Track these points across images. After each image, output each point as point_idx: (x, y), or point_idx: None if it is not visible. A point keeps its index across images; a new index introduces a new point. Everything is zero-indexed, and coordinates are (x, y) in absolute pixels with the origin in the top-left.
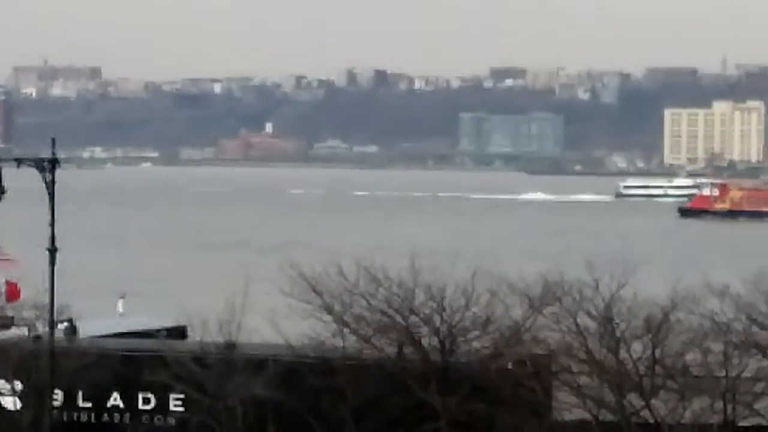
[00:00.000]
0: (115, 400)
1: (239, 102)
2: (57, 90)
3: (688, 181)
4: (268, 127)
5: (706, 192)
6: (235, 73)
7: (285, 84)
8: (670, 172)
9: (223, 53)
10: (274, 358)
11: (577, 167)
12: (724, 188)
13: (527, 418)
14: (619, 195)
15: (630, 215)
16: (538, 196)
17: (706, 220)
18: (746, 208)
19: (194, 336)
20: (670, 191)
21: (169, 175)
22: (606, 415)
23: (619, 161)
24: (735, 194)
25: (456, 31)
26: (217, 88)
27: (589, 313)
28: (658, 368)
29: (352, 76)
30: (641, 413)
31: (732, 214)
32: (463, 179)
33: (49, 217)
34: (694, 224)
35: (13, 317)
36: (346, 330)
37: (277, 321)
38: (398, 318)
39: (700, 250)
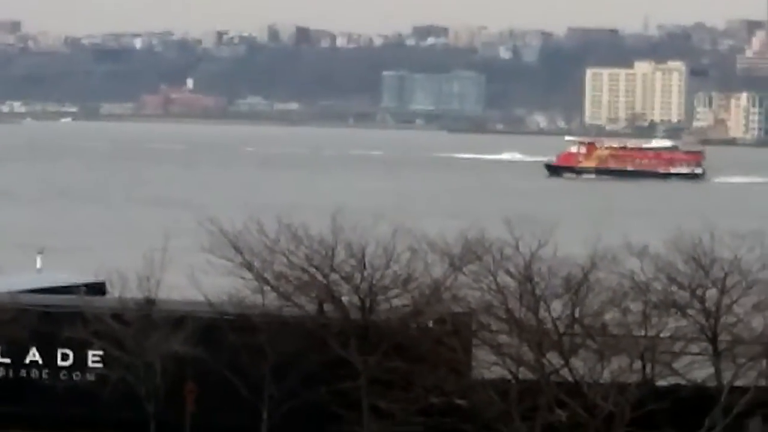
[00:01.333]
0: (34, 356)
1: (160, 57)
2: None
3: (666, 143)
4: (189, 83)
5: (573, 149)
6: (156, 28)
7: (206, 40)
8: (590, 132)
9: (144, 8)
10: (194, 314)
11: (499, 126)
12: (591, 146)
13: (447, 376)
14: None
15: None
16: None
17: (571, 178)
18: (611, 166)
19: (113, 292)
20: None
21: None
22: (525, 374)
23: (540, 120)
24: (602, 152)
25: None
26: (138, 42)
27: (509, 272)
28: (577, 327)
29: (273, 33)
30: (560, 372)
31: (598, 172)
32: (384, 137)
33: None
34: (563, 182)
35: None
36: (266, 287)
37: (197, 278)
38: (319, 276)
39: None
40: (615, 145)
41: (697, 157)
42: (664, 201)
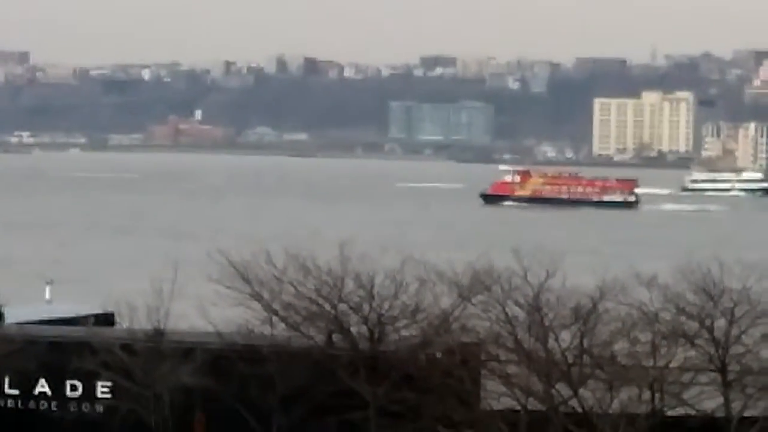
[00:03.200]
0: (42, 387)
1: (168, 88)
2: None
3: (758, 175)
4: (197, 113)
5: (508, 178)
6: (163, 59)
7: (214, 70)
8: (600, 162)
9: (152, 39)
10: (203, 345)
11: (507, 156)
12: (525, 175)
13: (455, 407)
14: (685, 189)
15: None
16: (454, 185)
17: (506, 207)
18: (546, 195)
19: (122, 323)
20: (738, 185)
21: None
22: (534, 404)
23: (549, 151)
24: (535, 181)
25: (386, 19)
26: (146, 74)
27: (517, 302)
28: (586, 358)
29: (281, 63)
30: (569, 402)
31: (532, 200)
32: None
33: None
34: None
35: None
36: (274, 318)
37: (206, 308)
38: (327, 306)
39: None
40: (549, 174)
41: (629, 185)
42: (591, 228)
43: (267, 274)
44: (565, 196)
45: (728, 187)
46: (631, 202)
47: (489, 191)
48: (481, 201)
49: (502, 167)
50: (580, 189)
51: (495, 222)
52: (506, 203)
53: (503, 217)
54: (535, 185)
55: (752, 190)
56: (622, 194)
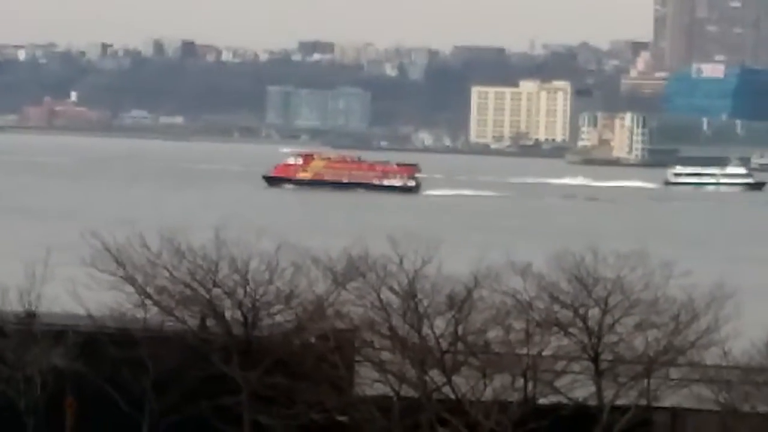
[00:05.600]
0: None
1: (44, 69)
2: None
3: (741, 170)
4: (73, 95)
5: (291, 161)
6: (39, 40)
7: (91, 52)
8: (477, 150)
9: (28, 19)
10: (75, 328)
11: (383, 143)
12: (307, 158)
13: (329, 393)
14: (668, 183)
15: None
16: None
17: (289, 190)
18: (327, 178)
19: None
20: (723, 179)
21: None
22: (407, 391)
23: (426, 138)
24: (317, 164)
25: (265, 4)
26: (21, 54)
27: (392, 289)
28: (460, 345)
29: (159, 46)
30: (443, 389)
31: (313, 183)
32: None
33: None
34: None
35: None
36: (148, 301)
37: (79, 291)
38: (201, 290)
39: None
40: (332, 157)
41: (410, 170)
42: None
43: (141, 257)
44: (345, 180)
45: (713, 182)
46: (411, 187)
47: (272, 173)
48: (264, 183)
49: (285, 149)
50: (360, 173)
51: (264, 204)
52: (287, 186)
53: (278, 200)
54: (316, 168)
55: (737, 185)
56: (401, 179)
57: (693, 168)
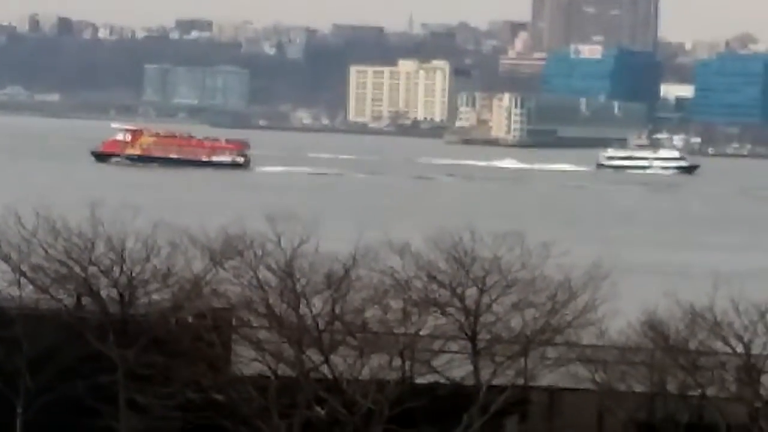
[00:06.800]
0: None
1: None
2: None
3: (674, 153)
4: None
5: (119, 137)
6: None
7: None
8: (355, 129)
9: None
10: None
11: (262, 122)
12: (136, 133)
13: (206, 372)
14: (600, 166)
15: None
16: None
17: (117, 165)
18: (155, 154)
19: None
20: (656, 162)
21: None
22: (285, 370)
23: (304, 117)
24: (146, 140)
25: None
26: None
27: (270, 268)
28: (337, 324)
29: (34, 23)
30: (320, 369)
31: (142, 159)
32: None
33: None
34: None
35: None
36: (23, 279)
37: None
38: (77, 269)
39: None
40: (161, 133)
41: (239, 147)
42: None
43: (16, 235)
44: (174, 156)
45: (646, 165)
46: (239, 164)
47: (100, 149)
48: (92, 158)
49: (115, 125)
50: (189, 149)
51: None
52: (115, 161)
53: (102, 176)
54: (145, 144)
55: (670, 168)
56: (231, 155)
57: (625, 151)
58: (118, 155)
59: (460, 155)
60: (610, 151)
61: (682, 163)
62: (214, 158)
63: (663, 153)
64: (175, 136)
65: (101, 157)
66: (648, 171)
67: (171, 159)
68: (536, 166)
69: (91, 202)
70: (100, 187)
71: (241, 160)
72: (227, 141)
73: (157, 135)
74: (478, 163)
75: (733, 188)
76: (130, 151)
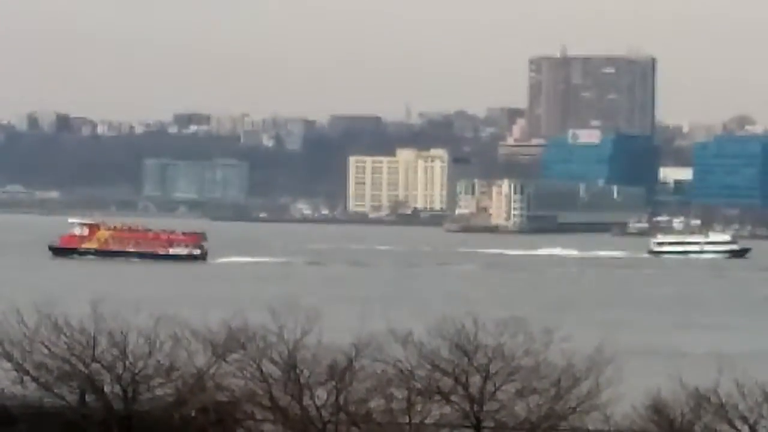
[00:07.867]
0: None
1: None
2: None
3: (725, 237)
4: None
5: (77, 231)
6: None
7: None
8: (355, 219)
9: None
10: None
11: (262, 214)
12: (93, 228)
13: None
14: (651, 252)
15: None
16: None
17: (76, 260)
18: (113, 248)
19: None
20: (707, 247)
21: None
22: None
23: (304, 208)
24: (103, 234)
25: (139, 77)
26: None
27: (273, 360)
28: (342, 415)
29: (33, 121)
30: None
31: (99, 253)
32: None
33: None
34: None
35: None
36: (26, 377)
37: None
38: (80, 365)
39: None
40: (118, 227)
41: (195, 239)
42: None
43: (18, 333)
44: (131, 249)
45: (697, 249)
46: (196, 256)
47: (58, 244)
48: (49, 253)
49: (72, 219)
50: (146, 242)
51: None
52: (74, 256)
53: (60, 272)
54: (102, 238)
55: (721, 252)
56: (187, 247)
57: (674, 236)
58: (74, 249)
59: (486, 244)
60: (660, 237)
61: (734, 247)
62: (171, 251)
63: (713, 237)
64: (132, 230)
65: (58, 251)
66: (702, 256)
67: (128, 252)
68: (589, 254)
69: (92, 299)
70: (55, 284)
71: (198, 252)
72: (184, 234)
73: (114, 228)
74: (511, 252)
75: None
76: (87, 246)
